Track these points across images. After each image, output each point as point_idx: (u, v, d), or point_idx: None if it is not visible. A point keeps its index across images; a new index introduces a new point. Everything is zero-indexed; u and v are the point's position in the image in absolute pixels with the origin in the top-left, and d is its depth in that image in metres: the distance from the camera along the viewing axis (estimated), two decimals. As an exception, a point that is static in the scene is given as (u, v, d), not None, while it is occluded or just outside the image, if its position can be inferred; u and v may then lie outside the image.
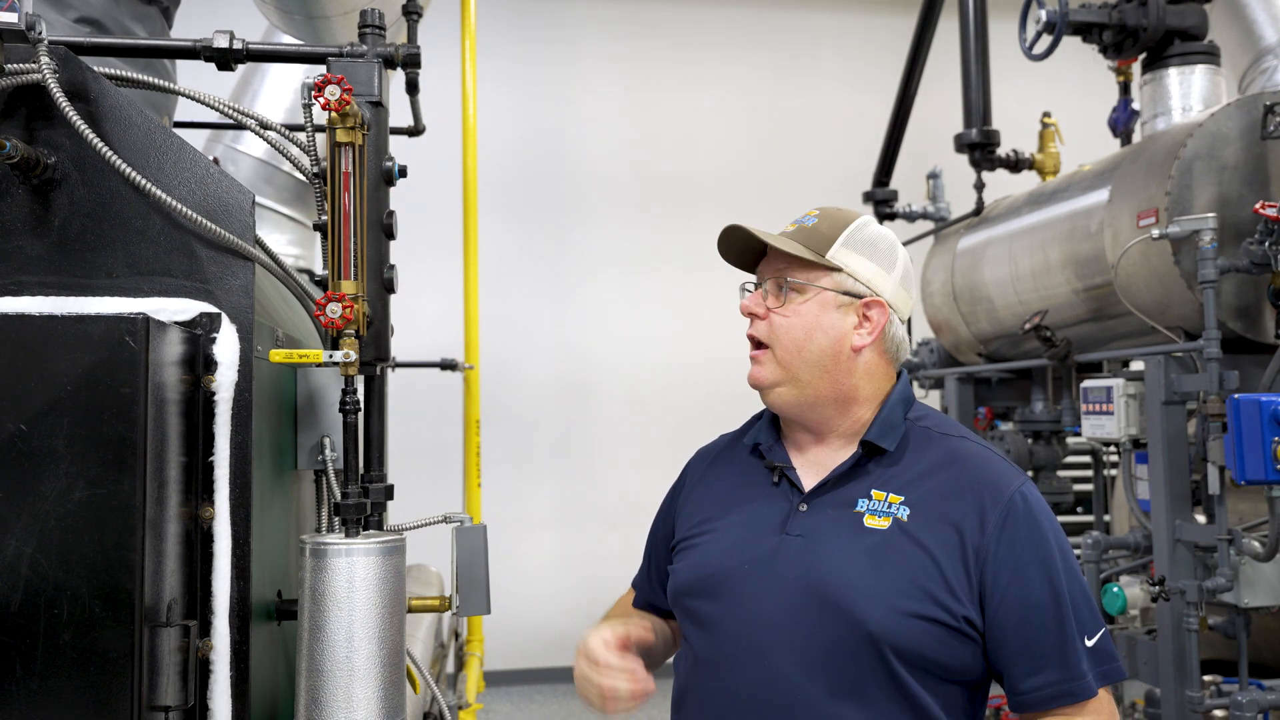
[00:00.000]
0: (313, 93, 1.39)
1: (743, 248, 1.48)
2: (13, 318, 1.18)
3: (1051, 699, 1.30)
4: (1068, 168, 4.40)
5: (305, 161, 1.62)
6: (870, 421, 1.43)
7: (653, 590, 1.63)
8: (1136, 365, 3.80)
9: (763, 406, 1.56)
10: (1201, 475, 2.97)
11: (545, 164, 6.97)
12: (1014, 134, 5.16)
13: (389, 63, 1.60)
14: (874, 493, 1.37)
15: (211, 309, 1.37)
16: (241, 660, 1.35)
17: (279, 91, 3.37)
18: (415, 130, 2.32)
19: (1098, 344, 3.74)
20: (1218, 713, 2.93)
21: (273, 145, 1.63)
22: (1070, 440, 4.35)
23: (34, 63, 1.30)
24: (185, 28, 2.06)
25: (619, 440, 6.79)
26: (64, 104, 1.29)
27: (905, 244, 4.99)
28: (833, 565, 1.33)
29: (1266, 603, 2.83)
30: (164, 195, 1.35)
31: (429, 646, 3.21)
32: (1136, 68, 3.94)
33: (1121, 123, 4.33)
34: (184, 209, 1.36)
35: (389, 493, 1.65)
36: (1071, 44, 3.78)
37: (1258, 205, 2.85)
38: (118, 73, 1.50)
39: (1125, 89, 4.33)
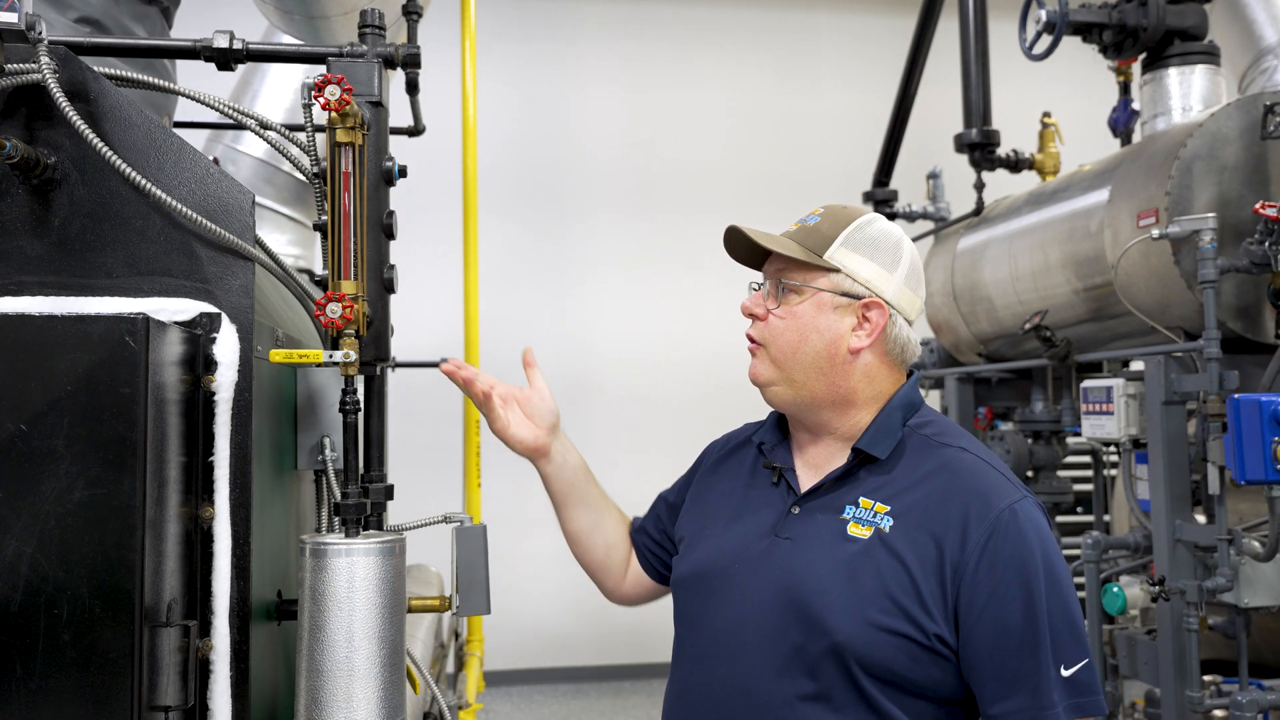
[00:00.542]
0: (313, 93, 1.39)
1: (750, 246, 1.46)
2: (13, 318, 1.18)
3: None
4: (1068, 168, 4.40)
5: (305, 161, 1.62)
6: (868, 425, 1.41)
7: (644, 528, 1.69)
8: (1136, 365, 3.80)
9: (755, 408, 1.57)
10: (1201, 475, 2.97)
11: (545, 163, 6.97)
12: (1014, 134, 5.16)
13: (389, 63, 1.60)
14: (862, 500, 1.35)
15: (211, 309, 1.37)
16: (241, 660, 1.35)
17: (279, 91, 3.37)
18: (415, 130, 2.32)
19: (1098, 344, 3.74)
20: (1218, 713, 2.93)
21: (273, 145, 1.62)
22: (1070, 440, 4.35)
23: (34, 63, 1.30)
24: (185, 28, 2.06)
25: (619, 439, 6.79)
26: (64, 104, 1.29)
27: (905, 244, 4.80)
28: (809, 572, 1.32)
29: (1266, 603, 2.83)
30: (164, 195, 1.35)
31: (429, 646, 3.21)
32: (1136, 68, 3.94)
33: (1121, 123, 4.33)
34: (184, 209, 1.36)
35: (389, 493, 1.65)
36: (1071, 44, 3.78)
37: (1258, 205, 2.85)
38: (118, 73, 1.50)
39: (1125, 89, 4.33)
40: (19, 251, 1.35)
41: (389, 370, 2.18)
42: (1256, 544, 2.76)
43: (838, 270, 1.40)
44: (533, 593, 6.44)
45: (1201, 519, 3.06)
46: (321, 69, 1.53)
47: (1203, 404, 2.86)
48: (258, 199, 1.96)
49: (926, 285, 4.87)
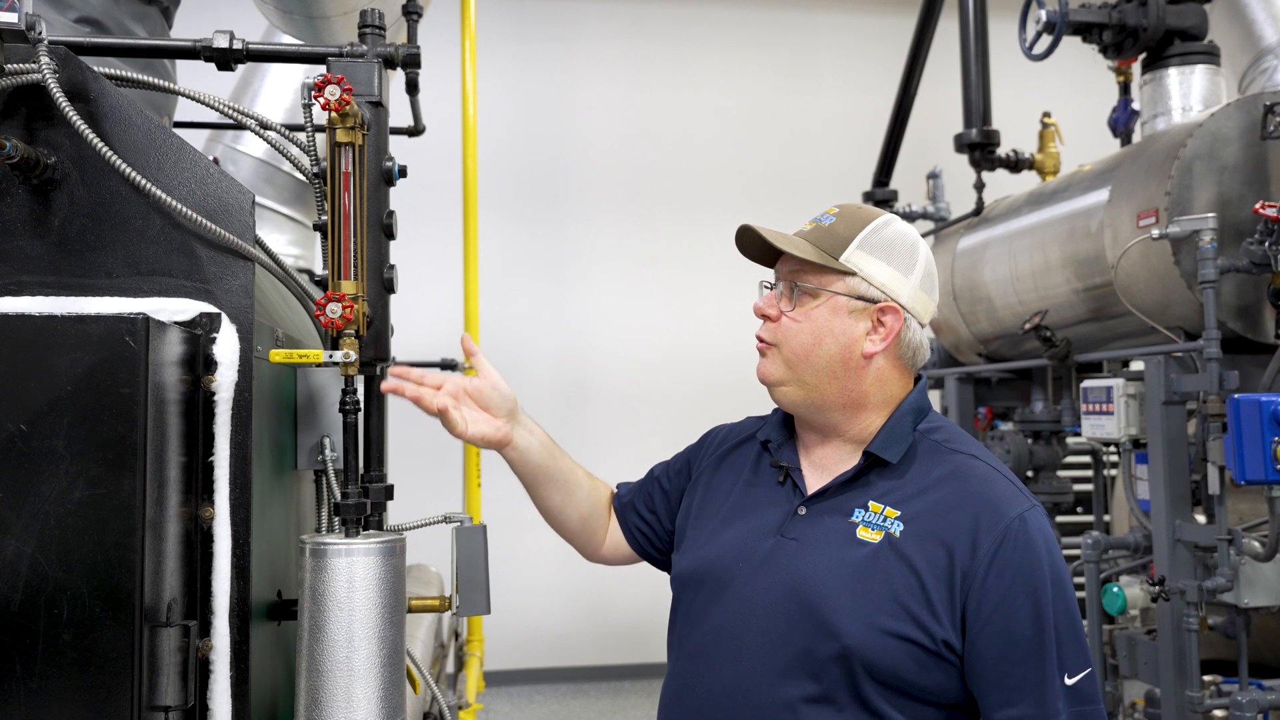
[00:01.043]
0: (313, 93, 1.39)
1: (763, 244, 1.44)
2: (13, 318, 1.18)
3: None
4: (1068, 168, 4.40)
5: (305, 161, 1.62)
6: (878, 430, 1.40)
7: (632, 504, 1.66)
8: (1136, 365, 3.80)
9: (755, 408, 1.56)
10: (1201, 475, 2.97)
11: (545, 162, 6.97)
12: (1014, 134, 5.16)
13: (389, 63, 1.60)
14: (871, 504, 1.35)
15: (211, 309, 1.37)
16: (241, 660, 1.35)
17: (279, 91, 3.37)
18: (415, 130, 2.32)
19: (1098, 344, 3.74)
20: (1218, 713, 2.93)
21: (273, 145, 1.62)
22: (1070, 440, 4.35)
23: (34, 63, 1.30)
24: (185, 28, 2.06)
25: (619, 436, 6.79)
26: (64, 104, 1.29)
27: (905, 244, 4.79)
28: (817, 575, 1.32)
29: (1266, 603, 2.83)
30: (164, 195, 1.35)
31: (429, 646, 3.21)
32: (1136, 68, 3.94)
33: (1121, 123, 4.33)
34: (184, 209, 1.36)
35: (389, 493, 1.65)
36: (1071, 44, 3.78)
37: (1258, 205, 2.85)
38: (118, 73, 1.50)
39: (1125, 89, 4.33)
40: (19, 251, 1.35)
41: (389, 370, 2.18)
42: (1256, 544, 2.76)
43: (854, 274, 1.38)
44: (533, 593, 6.44)
45: (1201, 519, 3.06)
46: (321, 69, 1.53)
47: (1203, 404, 2.86)
48: (258, 199, 1.96)
49: (926, 285, 4.89)
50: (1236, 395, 2.64)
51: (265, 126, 1.60)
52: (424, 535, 1.80)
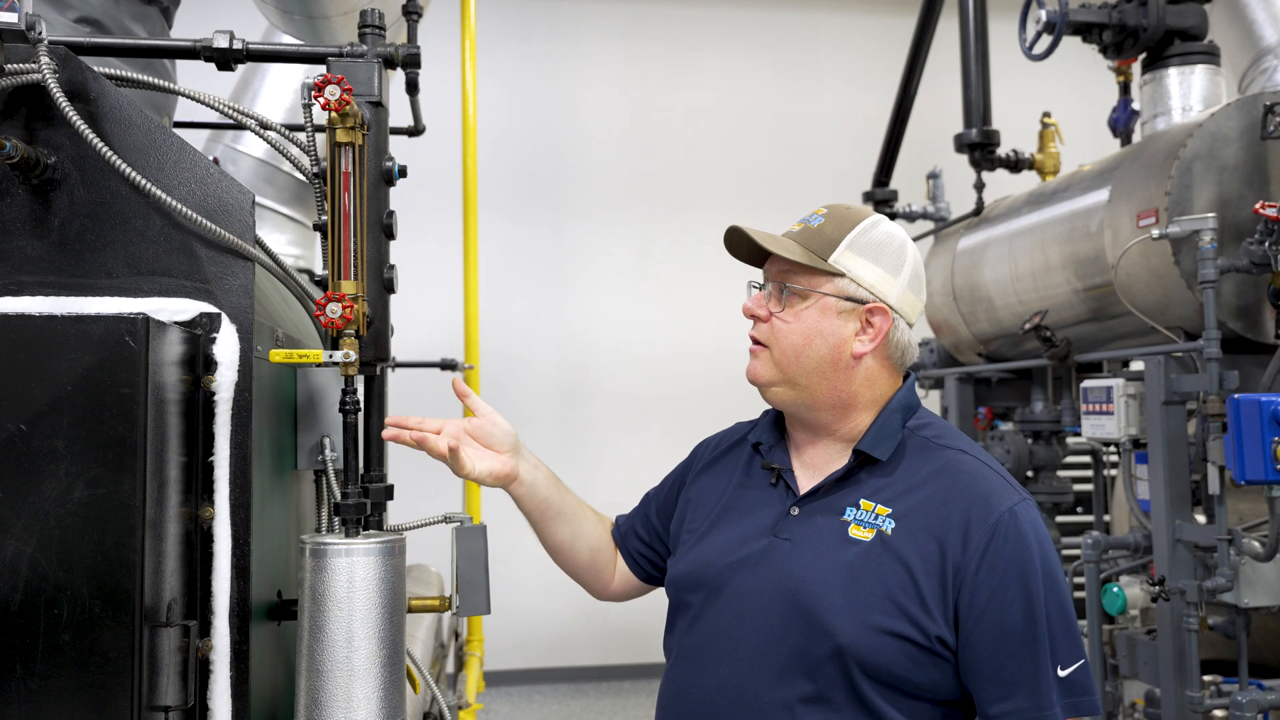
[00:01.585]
0: (313, 93, 1.39)
1: (751, 244, 1.44)
2: (13, 318, 1.18)
3: None
4: (1068, 168, 4.40)
5: (305, 161, 1.62)
6: (867, 428, 1.41)
7: (633, 529, 1.66)
8: (1136, 365, 3.80)
9: (755, 408, 1.56)
10: (1201, 475, 2.97)
11: (545, 161, 6.97)
12: (1014, 134, 5.16)
13: (389, 63, 1.60)
14: (863, 502, 1.36)
15: (211, 309, 1.37)
16: (241, 660, 1.35)
17: (279, 91, 3.37)
18: (415, 130, 2.32)
19: (1098, 344, 3.74)
20: (1218, 713, 2.93)
21: (273, 145, 1.62)
22: (1070, 440, 4.35)
23: (34, 63, 1.30)
24: (185, 28, 2.06)
25: (619, 434, 6.79)
26: (64, 104, 1.29)
27: (905, 244, 4.79)
28: (811, 574, 1.32)
29: (1266, 603, 2.83)
30: (164, 195, 1.35)
31: (429, 646, 3.21)
32: (1136, 68, 3.94)
33: (1121, 123, 4.34)
34: (184, 209, 1.36)
35: (389, 493, 1.65)
36: (1071, 44, 3.78)
37: (1258, 205, 2.85)
38: (118, 73, 1.50)
39: (1125, 89, 4.33)
40: (19, 251, 1.35)
41: (389, 370, 2.18)
42: (1256, 544, 2.76)
43: (842, 275, 1.39)
44: (533, 593, 6.43)
45: (1201, 519, 3.06)
46: (321, 69, 1.53)
47: (1203, 404, 2.86)
48: (258, 199, 1.96)
49: (926, 285, 4.90)
50: (1236, 395, 2.64)
51: (265, 126, 1.60)
52: (424, 535, 1.80)
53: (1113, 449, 3.92)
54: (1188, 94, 3.51)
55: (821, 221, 1.42)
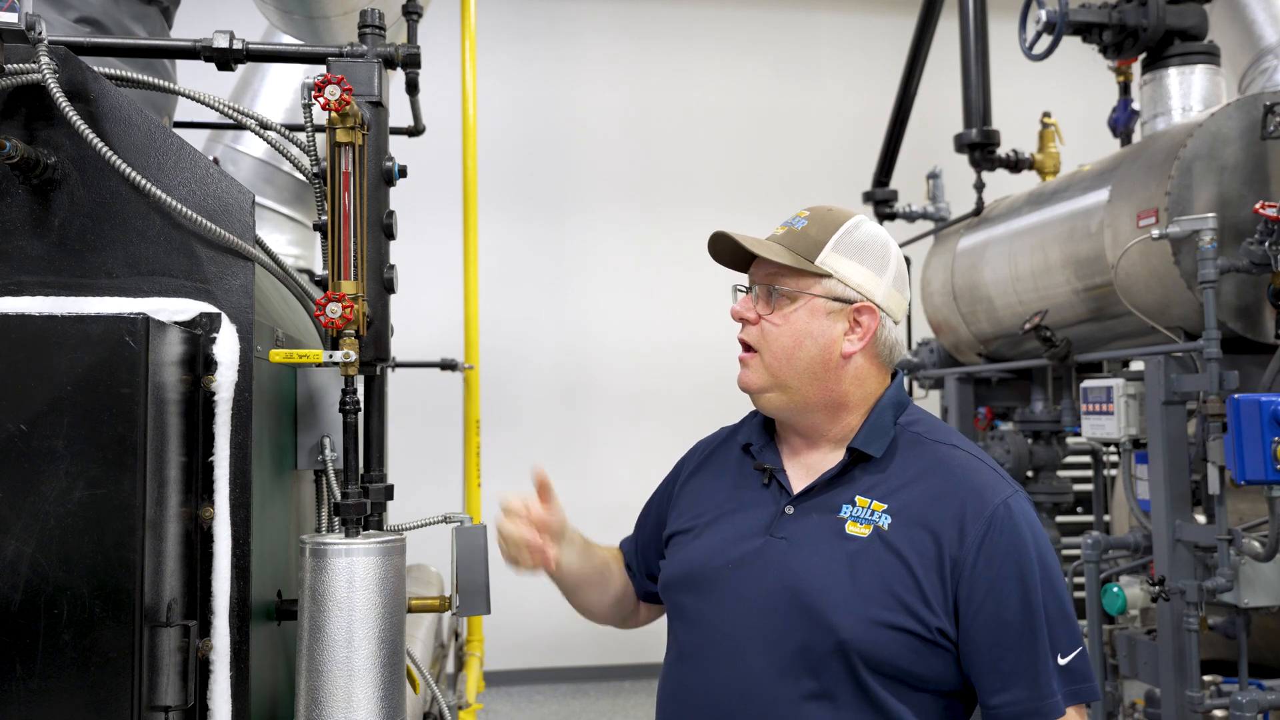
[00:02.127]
0: (313, 93, 1.39)
1: (734, 248, 1.45)
2: (13, 318, 1.18)
3: (1019, 716, 1.28)
4: (1068, 168, 4.40)
5: (305, 161, 1.62)
6: (859, 427, 1.42)
7: (635, 557, 1.66)
8: (1136, 365, 3.80)
9: (753, 407, 1.56)
10: (1201, 475, 2.97)
11: (545, 160, 6.97)
12: (1014, 134, 5.16)
13: (389, 63, 1.60)
14: (858, 499, 1.37)
15: (211, 309, 1.37)
16: (241, 660, 1.35)
17: (279, 91, 3.37)
18: (415, 130, 2.32)
19: (1098, 344, 3.74)
20: (1218, 713, 2.93)
21: (273, 145, 1.63)
22: (1070, 440, 4.35)
23: (34, 63, 1.30)
24: (185, 28, 2.06)
25: (619, 431, 6.80)
26: (64, 104, 1.29)
27: (905, 244, 4.99)
28: (810, 571, 1.33)
29: (1266, 603, 2.83)
30: (164, 195, 1.35)
31: (429, 646, 3.21)
32: (1136, 68, 3.94)
33: (1121, 123, 4.33)
34: (184, 209, 1.36)
35: (389, 493, 1.65)
36: (1071, 44, 3.78)
37: (1258, 205, 2.85)
38: (118, 73, 1.50)
39: (1125, 89, 4.33)
40: (19, 251, 1.35)
41: (389, 370, 2.18)
42: (1256, 544, 2.76)
43: (829, 275, 1.40)
44: (533, 593, 6.40)
45: (1201, 519, 3.06)
46: (321, 69, 1.53)
47: (1203, 404, 2.86)
48: (258, 199, 1.96)
49: (927, 285, 4.92)
50: (1236, 395, 2.64)
51: (265, 126, 1.60)
52: (424, 535, 1.80)
53: (1113, 449, 3.92)
54: (1188, 94, 3.51)
55: (805, 224, 1.43)
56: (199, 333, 1.35)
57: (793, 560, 1.35)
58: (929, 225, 5.32)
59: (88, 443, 1.17)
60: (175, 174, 1.39)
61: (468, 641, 4.52)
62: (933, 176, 5.39)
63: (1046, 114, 4.93)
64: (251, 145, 3.31)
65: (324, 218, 1.53)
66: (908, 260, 5.74)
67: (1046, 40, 3.72)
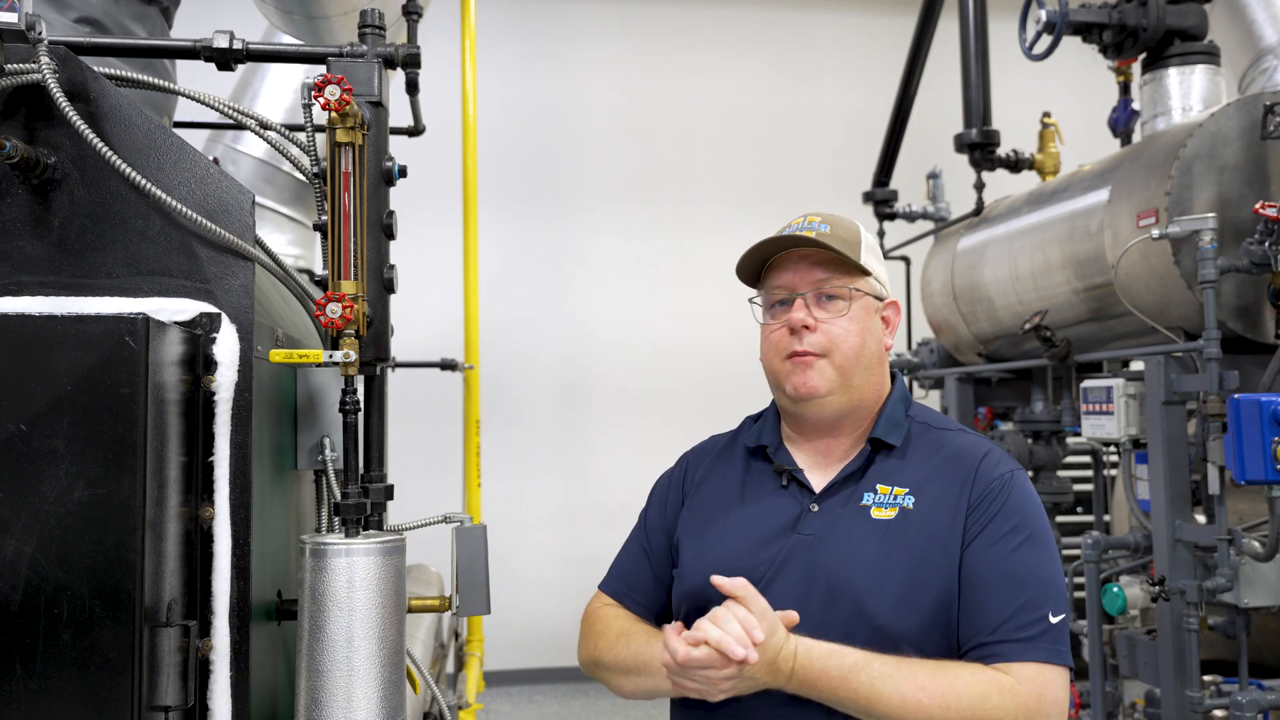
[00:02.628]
0: (313, 93, 1.39)
1: (751, 261, 1.49)
2: (13, 318, 1.18)
3: (1005, 655, 1.31)
4: (1068, 168, 4.40)
5: (305, 161, 1.62)
6: (874, 419, 1.47)
7: (641, 584, 1.57)
8: (1136, 365, 3.80)
9: (757, 405, 1.57)
10: (1201, 475, 2.97)
11: (545, 161, 6.98)
12: (1014, 134, 5.16)
13: (389, 63, 1.60)
14: (879, 487, 1.41)
15: (211, 309, 1.37)
16: (241, 660, 1.35)
17: (279, 91, 3.37)
18: (415, 130, 2.31)
19: (1098, 344, 3.74)
20: (1218, 713, 2.93)
21: (273, 145, 1.63)
22: (1070, 440, 4.35)
23: (34, 63, 1.30)
24: (185, 28, 2.06)
25: (620, 429, 6.80)
26: (64, 104, 1.29)
27: (905, 244, 4.98)
28: (845, 561, 1.36)
29: (1266, 603, 2.83)
30: (164, 195, 1.35)
31: (429, 646, 3.21)
32: (1136, 68, 3.94)
33: (1121, 123, 4.33)
34: (184, 209, 1.36)
35: (389, 493, 1.65)
36: (1071, 44, 3.78)
37: (1258, 205, 2.85)
38: (118, 73, 1.50)
39: (1125, 89, 4.33)
40: (19, 251, 1.35)
41: (389, 370, 2.18)
42: (1256, 544, 2.76)
43: (870, 274, 1.46)
44: (533, 593, 6.43)
45: (1201, 519, 3.06)
46: (321, 69, 1.53)
47: (1203, 404, 2.86)
48: (258, 199, 1.96)
49: (927, 285, 4.91)
50: (1236, 395, 2.64)
51: (265, 126, 1.60)
52: (424, 535, 1.80)
53: (1113, 449, 3.92)
54: (1188, 94, 3.51)
55: (829, 228, 1.46)
56: (199, 333, 1.35)
57: (825, 555, 1.38)
58: (929, 225, 5.32)
59: (88, 443, 1.17)
60: (175, 174, 1.39)
61: (468, 641, 4.52)
62: (933, 176, 5.39)
63: (1046, 114, 4.93)
64: (251, 145, 3.31)
65: (324, 218, 1.53)
66: (907, 260, 5.76)
67: (1046, 40, 3.72)
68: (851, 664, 1.27)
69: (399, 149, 1.87)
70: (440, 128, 3.58)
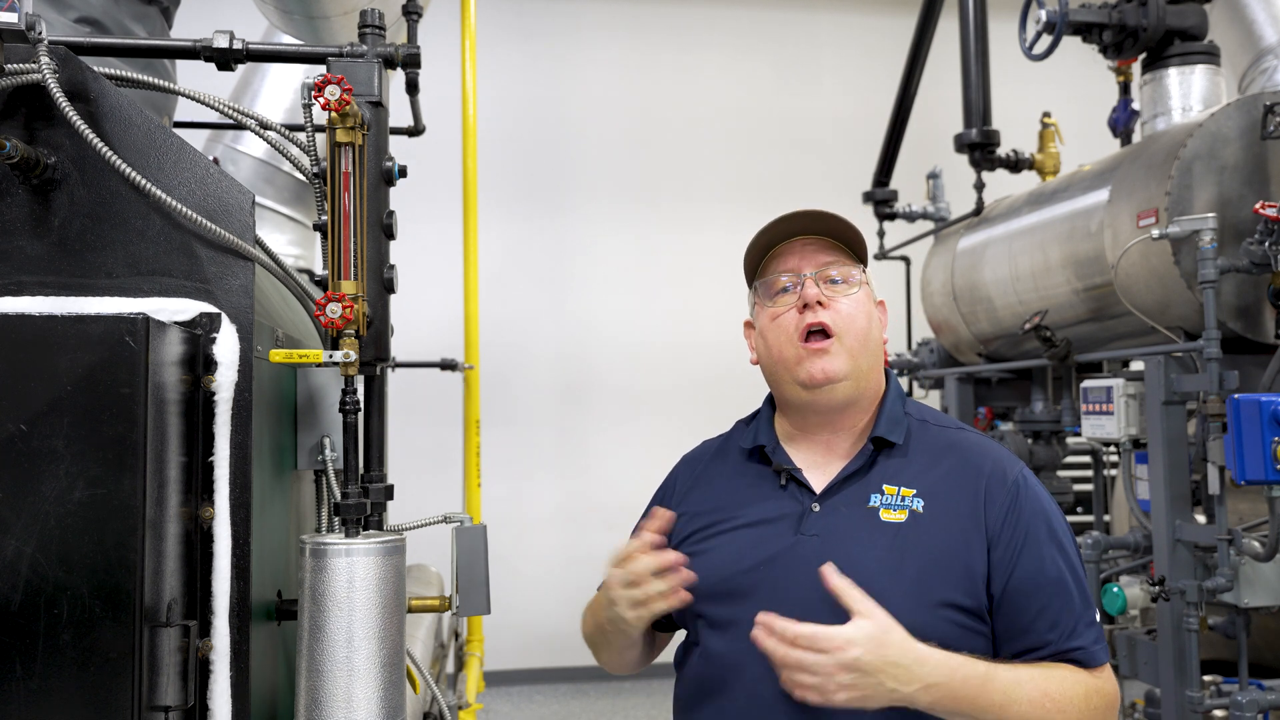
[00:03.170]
0: (313, 93, 1.39)
1: (766, 245, 1.48)
2: (13, 318, 1.18)
3: (1079, 661, 1.33)
4: (1068, 168, 4.40)
5: (305, 161, 1.62)
6: (874, 418, 1.45)
7: None
8: (1136, 365, 3.80)
9: (755, 405, 1.56)
10: (1201, 475, 2.97)
11: (545, 160, 6.98)
12: (1014, 134, 5.16)
13: (389, 63, 1.60)
14: (885, 487, 1.39)
15: (211, 309, 1.37)
16: (241, 660, 1.35)
17: (279, 91, 3.37)
18: (415, 130, 2.32)
19: (1098, 344, 3.74)
20: (1218, 713, 2.93)
21: (273, 145, 1.63)
22: (1070, 440, 4.35)
23: (34, 63, 1.30)
24: (185, 28, 2.06)
25: (620, 426, 6.80)
26: (64, 104, 1.29)
27: (905, 244, 4.98)
28: (855, 562, 1.33)
29: (1266, 603, 2.83)
30: (164, 195, 1.35)
31: (429, 646, 3.21)
32: (1136, 68, 3.94)
33: (1121, 123, 4.33)
34: (184, 209, 1.36)
35: (389, 493, 1.65)
36: (1071, 44, 3.78)
37: (1258, 205, 2.85)
38: (118, 73, 1.50)
39: (1125, 89, 4.33)
40: (19, 251, 1.35)
41: (389, 370, 2.18)
42: (1256, 544, 2.76)
43: (867, 267, 1.48)
44: (533, 593, 6.43)
45: (1201, 519, 3.06)
46: (321, 69, 1.53)
47: (1203, 404, 2.86)
48: (258, 199, 1.96)
49: (927, 285, 4.91)
50: (1236, 395, 2.64)
51: (265, 126, 1.60)
52: (424, 535, 1.80)
53: (1113, 449, 3.92)
54: (1188, 94, 3.51)
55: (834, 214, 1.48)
56: (199, 333, 1.35)
57: (832, 555, 1.34)
58: (929, 225, 5.32)
59: (88, 443, 1.17)
60: (175, 174, 1.39)
61: (468, 641, 4.52)
62: (933, 176, 5.39)
63: (1046, 114, 4.93)
64: (251, 145, 3.31)
65: (324, 218, 1.53)
66: (907, 260, 5.75)
67: (1046, 40, 3.72)
68: (983, 671, 1.24)
69: (399, 149, 1.87)
70: (440, 127, 3.58)
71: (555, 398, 6.83)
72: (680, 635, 1.57)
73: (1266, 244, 2.85)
